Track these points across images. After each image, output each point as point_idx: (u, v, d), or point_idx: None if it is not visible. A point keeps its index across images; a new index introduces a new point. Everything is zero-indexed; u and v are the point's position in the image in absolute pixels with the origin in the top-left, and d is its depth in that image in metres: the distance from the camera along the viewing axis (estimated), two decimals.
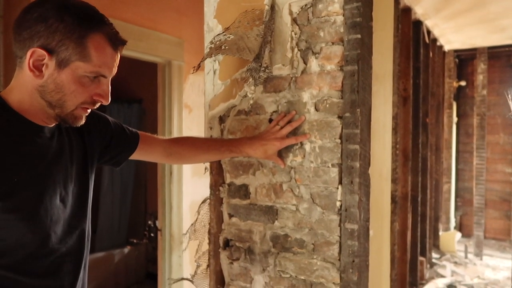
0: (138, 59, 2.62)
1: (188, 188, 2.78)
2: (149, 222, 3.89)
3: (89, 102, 0.90)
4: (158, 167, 2.72)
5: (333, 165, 1.22)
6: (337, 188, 1.21)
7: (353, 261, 1.18)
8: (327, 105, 1.23)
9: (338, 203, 1.21)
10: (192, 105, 2.83)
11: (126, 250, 3.82)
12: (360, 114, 1.17)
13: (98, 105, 0.93)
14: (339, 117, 1.21)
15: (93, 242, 3.86)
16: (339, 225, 1.21)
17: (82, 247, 1.00)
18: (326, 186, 1.23)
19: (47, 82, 0.86)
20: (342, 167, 1.20)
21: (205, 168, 1.49)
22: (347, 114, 1.19)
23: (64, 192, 0.94)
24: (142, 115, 4.08)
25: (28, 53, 0.83)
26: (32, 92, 0.88)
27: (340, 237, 1.21)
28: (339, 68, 1.21)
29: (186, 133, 2.76)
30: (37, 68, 0.85)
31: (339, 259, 1.21)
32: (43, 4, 0.84)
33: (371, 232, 1.34)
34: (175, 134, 2.69)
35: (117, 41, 0.90)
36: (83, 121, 0.93)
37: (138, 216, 4.12)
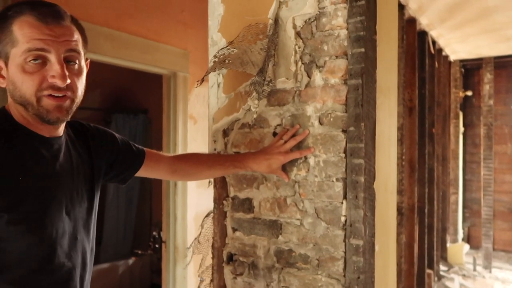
0: (144, 71, 2.64)
1: (193, 199, 2.78)
2: (154, 233, 3.88)
3: (47, 87, 0.84)
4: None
5: (337, 180, 1.21)
6: (342, 202, 1.20)
7: (358, 277, 1.16)
8: (331, 119, 1.22)
9: (342, 218, 1.20)
10: (197, 116, 2.84)
11: (131, 261, 3.81)
12: (365, 128, 1.16)
13: (60, 88, 0.85)
14: (344, 131, 1.20)
15: (98, 253, 3.85)
16: (344, 241, 1.19)
17: (86, 262, 0.99)
18: (331, 201, 1.22)
19: (8, 84, 0.87)
20: (347, 182, 1.19)
21: (209, 182, 1.48)
22: (352, 128, 1.18)
23: (70, 205, 0.93)
24: (147, 125, 4.10)
25: None
26: (11, 102, 0.88)
27: (345, 252, 1.19)
28: (343, 82, 1.20)
29: (190, 143, 2.77)
30: (0, 75, 0.87)
31: (344, 275, 1.19)
32: None
33: (376, 247, 1.32)
34: (180, 145, 2.70)
35: (45, 14, 0.84)
36: (61, 114, 0.87)
37: (143, 227, 4.11)
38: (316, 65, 1.25)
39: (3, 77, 0.87)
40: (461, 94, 5.03)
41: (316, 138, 1.25)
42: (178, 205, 2.67)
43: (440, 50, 4.34)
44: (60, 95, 0.86)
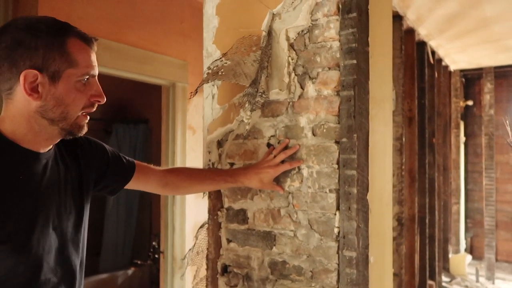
0: (143, 82, 2.66)
1: (192, 210, 2.77)
2: (154, 243, 3.86)
3: (88, 106, 0.92)
4: None
5: (330, 191, 1.20)
6: (335, 214, 1.19)
7: None
8: (324, 130, 1.23)
9: (336, 230, 1.19)
10: (196, 126, 2.85)
11: (130, 271, 3.79)
12: (357, 139, 1.16)
13: (95, 106, 0.94)
14: (336, 142, 1.20)
15: (97, 263, 3.84)
16: (337, 252, 1.19)
17: (74, 276, 0.98)
18: (324, 212, 1.22)
19: (47, 100, 0.87)
20: (340, 193, 1.19)
21: (204, 193, 1.48)
22: (344, 139, 1.18)
23: (57, 220, 0.93)
24: (148, 135, 4.11)
25: (21, 79, 0.84)
26: (30, 117, 0.88)
27: (338, 264, 1.18)
28: (335, 93, 1.21)
29: (189, 154, 2.77)
30: (34, 90, 0.85)
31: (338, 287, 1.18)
32: (8, 31, 0.85)
33: (371, 259, 1.31)
34: (179, 155, 2.70)
35: (89, 39, 0.92)
36: (86, 129, 0.95)
37: (143, 237, 4.10)
38: (309, 76, 1.26)
39: (38, 92, 0.86)
40: (462, 104, 5.03)
41: (309, 149, 1.25)
42: (176, 216, 2.66)
43: (439, 60, 4.34)
44: (93, 110, 0.95)
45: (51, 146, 0.95)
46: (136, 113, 4.23)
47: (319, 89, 1.24)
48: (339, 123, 1.20)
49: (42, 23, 0.87)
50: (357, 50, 1.17)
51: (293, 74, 1.29)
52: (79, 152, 1.05)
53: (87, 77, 0.90)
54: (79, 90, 0.89)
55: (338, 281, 1.18)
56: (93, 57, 0.92)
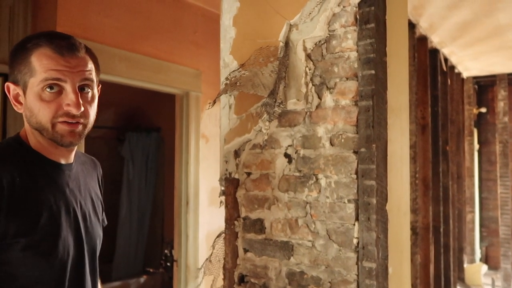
0: (157, 91, 2.69)
1: (205, 218, 2.78)
2: (166, 251, 3.87)
3: (62, 115, 0.89)
4: (175, 196, 2.73)
5: (349, 201, 1.20)
6: (354, 224, 1.19)
7: None
8: (342, 140, 1.23)
9: (355, 240, 1.18)
10: (209, 135, 2.86)
11: (142, 279, 3.80)
12: (376, 149, 1.16)
13: (72, 115, 0.89)
14: (355, 152, 1.20)
15: (109, 270, 3.86)
16: (357, 263, 1.18)
17: (95, 284, 1.00)
18: (343, 222, 1.21)
19: (25, 110, 0.92)
20: (359, 203, 1.18)
21: (220, 202, 1.48)
22: (363, 149, 1.17)
23: (79, 229, 0.95)
24: (160, 143, 4.14)
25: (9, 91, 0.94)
26: (28, 127, 0.94)
27: (357, 275, 1.17)
28: (353, 103, 1.21)
29: (202, 162, 2.78)
30: (16, 101, 0.93)
31: None
32: None
33: (390, 270, 1.30)
34: (192, 164, 2.72)
35: (61, 46, 0.89)
36: (73, 139, 0.91)
37: (155, 245, 4.11)
38: (327, 86, 1.26)
39: (20, 103, 0.93)
40: (475, 111, 4.97)
41: (327, 159, 1.25)
42: (190, 224, 2.67)
43: (452, 68, 4.32)
44: (74, 121, 0.91)
45: (71, 159, 0.99)
46: (149, 122, 4.27)
47: (336, 99, 1.24)
48: (357, 133, 1.20)
49: (25, 39, 0.94)
50: (375, 60, 1.17)
51: (310, 84, 1.29)
52: (98, 172, 1.10)
53: (49, 83, 0.87)
54: (43, 99, 0.88)
55: None
56: (63, 64, 0.88)
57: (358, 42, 1.20)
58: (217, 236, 1.50)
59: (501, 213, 4.45)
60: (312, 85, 1.29)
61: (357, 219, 1.18)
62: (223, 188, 1.47)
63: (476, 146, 5.12)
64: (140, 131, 4.10)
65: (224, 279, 1.46)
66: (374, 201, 1.15)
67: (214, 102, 1.27)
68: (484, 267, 4.61)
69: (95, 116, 0.98)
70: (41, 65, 0.88)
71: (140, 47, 2.45)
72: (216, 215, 2.68)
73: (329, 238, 1.24)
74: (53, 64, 0.88)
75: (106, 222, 1.19)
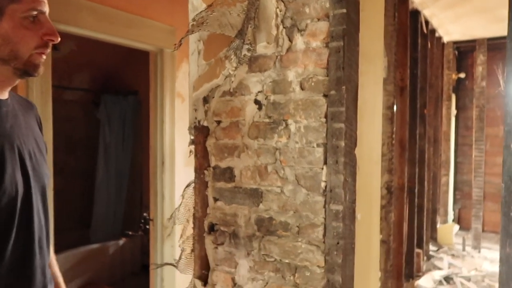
0: (130, 47, 2.58)
1: (181, 178, 2.75)
2: (145, 214, 3.85)
3: (41, 45, 0.89)
4: (151, 156, 2.69)
5: (318, 145, 1.19)
6: (322, 168, 1.18)
7: (338, 243, 1.15)
8: (313, 84, 1.19)
9: (323, 184, 1.18)
10: (185, 94, 2.79)
11: (121, 242, 3.80)
12: (346, 92, 1.14)
13: (50, 46, 0.91)
14: (325, 96, 1.17)
15: (87, 234, 3.84)
16: (324, 207, 1.18)
17: (40, 221, 0.96)
18: (311, 167, 1.20)
19: None
20: (327, 147, 1.17)
21: (190, 151, 1.45)
22: (333, 92, 1.15)
23: (25, 164, 0.91)
24: (138, 106, 4.04)
25: None
26: None
27: (325, 218, 1.18)
28: (324, 45, 1.17)
29: (178, 122, 2.73)
30: None
31: (324, 242, 1.18)
32: None
33: (358, 216, 1.31)
34: (167, 123, 2.66)
35: None
36: (42, 69, 0.92)
37: (134, 208, 4.10)
38: (298, 28, 1.22)
39: None
40: (454, 76, 5.00)
41: (297, 104, 1.23)
42: (165, 184, 2.64)
43: (433, 31, 4.29)
44: (48, 50, 0.91)
45: (6, 95, 0.94)
46: (126, 85, 4.15)
47: (307, 41, 1.20)
48: (327, 75, 1.17)
49: None
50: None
51: (281, 27, 1.24)
52: (38, 119, 1.05)
53: (34, 13, 0.86)
54: (27, 28, 0.86)
55: (324, 235, 1.18)
56: None
57: None
58: (187, 186, 1.48)
59: (475, 176, 4.58)
60: (283, 27, 1.24)
61: (325, 162, 1.17)
62: (192, 137, 1.44)
63: (454, 111, 5.19)
64: (117, 94, 3.99)
65: (194, 228, 1.45)
66: (342, 144, 1.14)
67: (180, 44, 1.21)
68: (456, 227, 4.78)
69: None
70: None
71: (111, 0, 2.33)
72: (192, 175, 2.66)
73: (297, 183, 1.23)
74: None
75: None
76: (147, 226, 3.82)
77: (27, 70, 0.89)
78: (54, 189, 2.13)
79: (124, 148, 4.02)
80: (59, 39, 0.91)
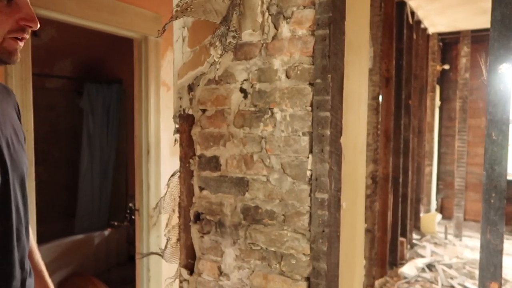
0: (113, 34, 2.53)
1: (167, 167, 2.73)
2: (130, 204, 3.82)
3: (17, 30, 0.84)
4: (135, 145, 2.66)
5: (303, 134, 1.18)
6: (308, 157, 1.18)
7: (323, 231, 1.15)
8: (298, 72, 1.19)
9: (308, 173, 1.18)
10: (170, 83, 2.76)
11: (107, 232, 3.77)
12: (332, 80, 1.13)
13: (28, 32, 0.85)
14: (310, 84, 1.17)
15: (72, 224, 3.79)
16: (310, 195, 1.18)
17: (18, 208, 0.92)
18: (297, 156, 1.20)
19: None
20: (313, 135, 1.17)
21: (175, 140, 1.44)
22: (318, 80, 1.15)
23: (1, 152, 0.87)
24: (122, 95, 3.98)
25: None
26: None
27: (310, 207, 1.18)
28: (310, 33, 1.17)
29: (163, 111, 2.70)
30: None
31: (309, 230, 1.18)
32: None
33: (344, 205, 1.32)
34: (152, 112, 2.63)
35: None
36: (17, 57, 0.86)
37: (119, 198, 4.06)
38: (284, 16, 1.21)
39: None
40: (439, 68, 5.06)
41: (283, 92, 1.22)
42: (151, 173, 2.62)
43: (418, 22, 4.32)
44: (22, 37, 0.85)
45: None
46: (110, 74, 4.07)
47: (293, 29, 1.19)
48: (313, 64, 1.16)
49: None
50: None
51: (267, 14, 1.23)
52: (16, 107, 1.02)
53: None
54: (0, 11, 0.81)
55: (310, 223, 1.18)
56: None
57: None
58: (172, 175, 1.47)
59: (457, 166, 4.67)
60: (269, 14, 1.23)
61: (311, 151, 1.17)
62: (177, 126, 1.43)
63: (438, 102, 5.26)
64: (100, 83, 3.92)
65: (179, 217, 1.44)
66: (328, 132, 1.14)
67: (164, 30, 1.19)
68: (439, 216, 4.88)
69: None
70: None
71: None
72: (178, 165, 2.64)
73: (283, 172, 1.23)
74: None
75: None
76: (133, 217, 3.79)
77: (0, 56, 0.84)
78: (37, 179, 2.08)
79: (108, 138, 3.96)
80: (38, 25, 0.86)
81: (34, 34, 3.17)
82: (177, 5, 1.23)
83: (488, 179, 0.89)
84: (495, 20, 0.86)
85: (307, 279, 1.20)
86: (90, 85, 3.87)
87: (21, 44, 0.86)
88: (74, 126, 4.10)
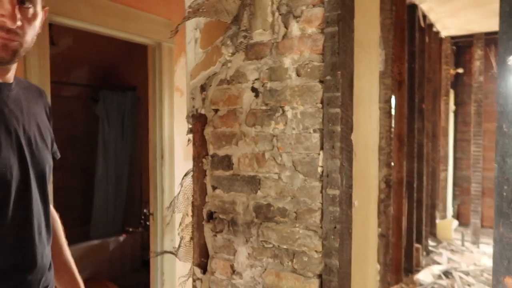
0: (128, 41, 2.59)
1: (180, 171, 2.76)
2: (145, 210, 3.87)
3: None
4: (150, 150, 2.70)
5: (314, 131, 1.19)
6: (319, 154, 1.19)
7: (335, 227, 1.15)
8: (309, 70, 1.20)
9: (319, 169, 1.19)
10: (184, 88, 2.80)
11: (122, 238, 3.81)
12: (341, 77, 1.15)
13: (4, 29, 0.79)
14: (321, 81, 1.18)
15: (87, 230, 3.85)
16: (321, 192, 1.19)
17: (38, 207, 0.94)
18: (308, 153, 1.21)
19: None
20: (324, 132, 1.18)
21: (188, 140, 1.46)
22: (328, 77, 1.16)
23: (22, 149, 0.90)
24: (136, 102, 4.05)
25: None
26: None
27: (322, 203, 1.18)
28: (320, 31, 1.18)
29: (177, 116, 2.74)
30: None
31: (321, 226, 1.19)
32: None
33: (356, 203, 1.32)
34: (166, 118, 2.67)
35: None
36: (5, 54, 0.82)
37: (134, 204, 4.10)
38: (293, 15, 1.23)
39: None
40: (452, 72, 5.02)
41: (293, 90, 1.23)
42: (165, 177, 2.65)
43: (430, 25, 4.30)
44: (7, 36, 0.80)
45: (8, 79, 0.91)
46: (125, 81, 4.16)
47: (303, 27, 1.21)
48: (323, 61, 1.17)
49: None
50: None
51: (277, 13, 1.25)
52: (46, 107, 1.04)
53: None
54: None
55: (321, 220, 1.19)
56: None
57: None
58: (185, 175, 1.49)
59: (473, 171, 4.59)
60: (279, 14, 1.25)
61: (322, 148, 1.18)
62: (190, 126, 1.45)
63: (453, 107, 5.20)
64: (115, 90, 4.00)
65: (193, 216, 1.46)
66: (338, 129, 1.14)
67: (177, 30, 1.22)
68: (455, 223, 4.79)
69: (34, 39, 0.88)
70: None
71: None
72: None
73: (295, 169, 1.24)
74: None
75: (59, 155, 1.13)
76: (147, 223, 3.83)
77: None
78: (54, 186, 2.13)
79: (123, 144, 4.03)
80: (18, 23, 0.79)
81: (52, 43, 3.26)
82: (189, 7, 1.26)
83: (499, 172, 0.89)
84: (504, 12, 0.86)
85: (319, 276, 1.19)
86: (106, 93, 3.95)
87: (8, 42, 0.81)
88: (89, 133, 4.17)
